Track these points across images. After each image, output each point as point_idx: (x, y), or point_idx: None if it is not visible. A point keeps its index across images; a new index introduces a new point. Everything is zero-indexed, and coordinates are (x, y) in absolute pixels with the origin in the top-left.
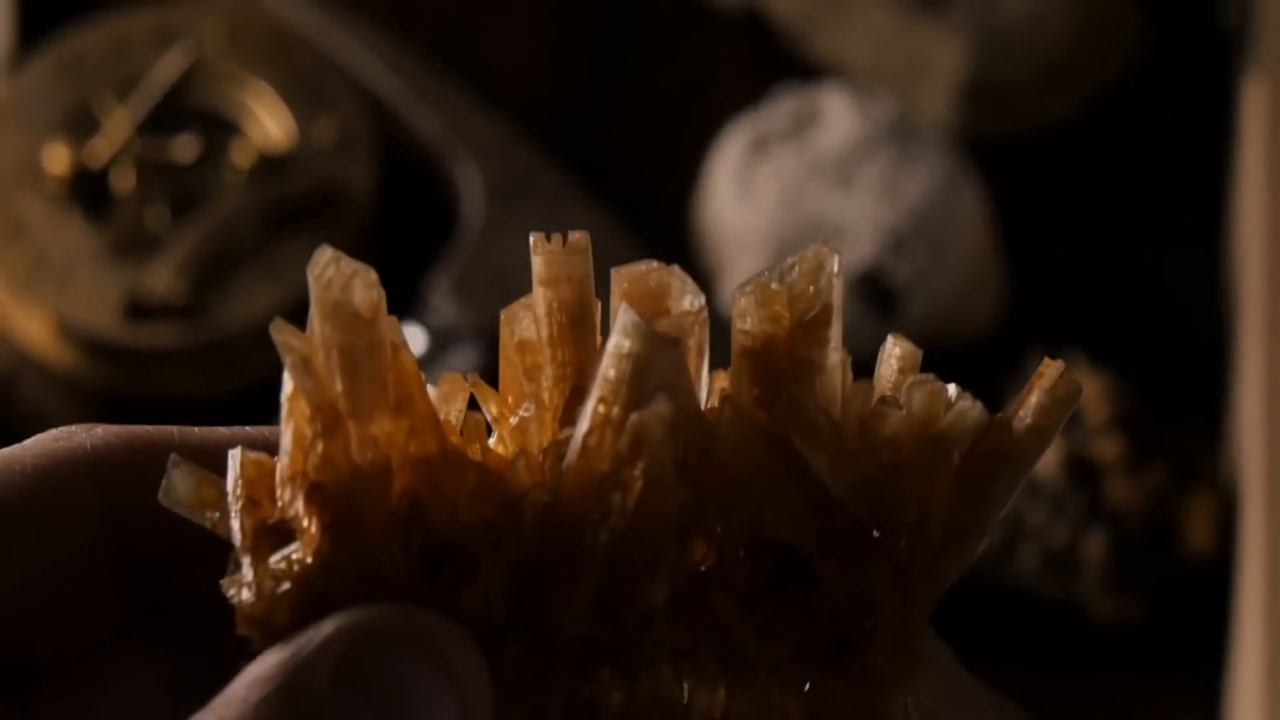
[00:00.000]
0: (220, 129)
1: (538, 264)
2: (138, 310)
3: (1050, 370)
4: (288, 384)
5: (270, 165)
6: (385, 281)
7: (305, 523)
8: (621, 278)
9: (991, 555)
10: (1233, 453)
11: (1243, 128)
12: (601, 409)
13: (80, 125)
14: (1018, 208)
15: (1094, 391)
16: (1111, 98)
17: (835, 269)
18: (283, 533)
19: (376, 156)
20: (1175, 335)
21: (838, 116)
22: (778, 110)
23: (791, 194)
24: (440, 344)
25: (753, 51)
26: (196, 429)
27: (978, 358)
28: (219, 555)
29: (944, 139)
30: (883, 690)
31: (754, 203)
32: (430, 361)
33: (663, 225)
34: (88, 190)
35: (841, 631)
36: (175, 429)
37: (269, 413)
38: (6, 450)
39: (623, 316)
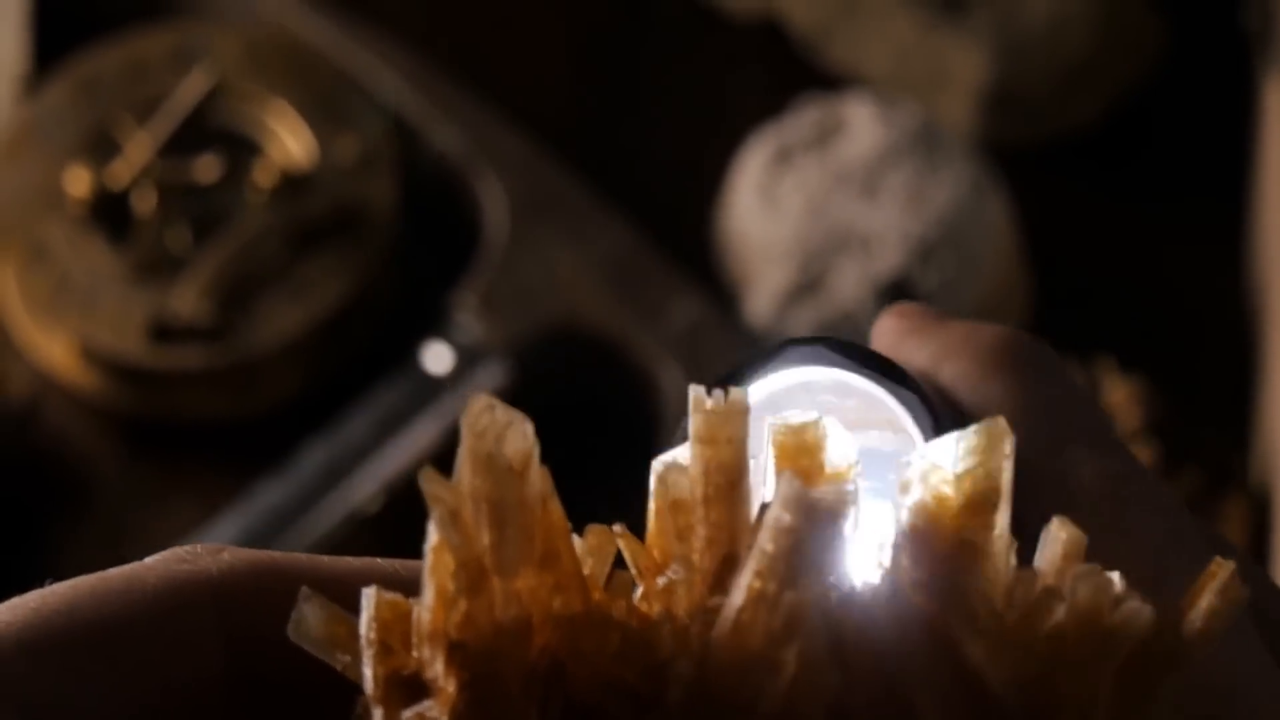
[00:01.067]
0: (241, 149)
1: (697, 422)
2: (162, 332)
3: (1221, 571)
4: (433, 535)
5: (292, 184)
6: (410, 299)
7: (443, 682)
8: (777, 432)
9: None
10: (1264, 456)
11: (1264, 129)
12: (757, 584)
13: (100, 147)
14: (1042, 214)
15: (1125, 397)
16: (1133, 101)
17: (1008, 450)
18: (416, 684)
19: (399, 173)
20: (1202, 338)
21: (862, 126)
22: (801, 120)
23: (817, 204)
24: (467, 361)
25: (770, 62)
26: (326, 559)
27: None
28: (339, 693)
29: (968, 147)
30: None
31: (779, 213)
32: (458, 379)
33: (686, 237)
34: (109, 213)
35: None
36: (305, 556)
37: (293, 434)
38: (129, 568)
39: (784, 488)
